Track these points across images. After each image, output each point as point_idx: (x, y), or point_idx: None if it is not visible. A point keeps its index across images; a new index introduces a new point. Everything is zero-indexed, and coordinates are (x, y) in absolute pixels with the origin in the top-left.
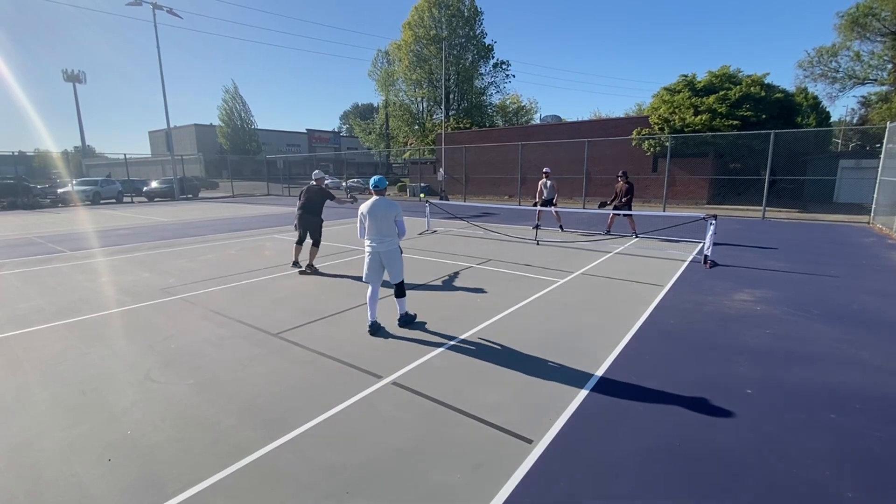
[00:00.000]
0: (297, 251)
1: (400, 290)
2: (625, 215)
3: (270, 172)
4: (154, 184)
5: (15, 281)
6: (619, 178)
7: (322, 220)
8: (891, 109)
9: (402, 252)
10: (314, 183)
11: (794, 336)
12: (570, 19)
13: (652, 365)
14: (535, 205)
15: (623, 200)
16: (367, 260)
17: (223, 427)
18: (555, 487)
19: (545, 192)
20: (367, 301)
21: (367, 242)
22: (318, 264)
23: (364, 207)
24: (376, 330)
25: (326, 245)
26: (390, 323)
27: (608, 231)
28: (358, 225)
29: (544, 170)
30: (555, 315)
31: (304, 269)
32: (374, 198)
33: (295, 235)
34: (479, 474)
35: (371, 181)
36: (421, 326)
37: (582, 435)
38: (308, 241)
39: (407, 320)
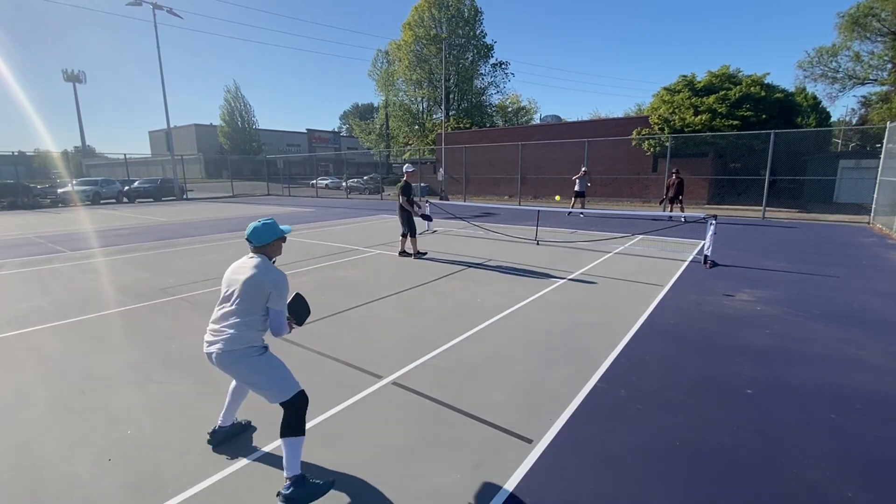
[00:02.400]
0: (402, 242)
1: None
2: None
3: (270, 172)
4: (136, 183)
5: (15, 281)
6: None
7: (407, 214)
8: (891, 109)
9: None
10: (404, 178)
11: (794, 336)
12: (570, 19)
13: (652, 365)
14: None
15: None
16: None
17: None
18: (555, 487)
19: (577, 184)
20: None
21: None
22: (319, 263)
23: None
24: None
25: (329, 245)
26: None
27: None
28: None
29: (583, 168)
30: (555, 315)
31: (413, 256)
32: None
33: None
34: (479, 474)
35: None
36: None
37: (582, 435)
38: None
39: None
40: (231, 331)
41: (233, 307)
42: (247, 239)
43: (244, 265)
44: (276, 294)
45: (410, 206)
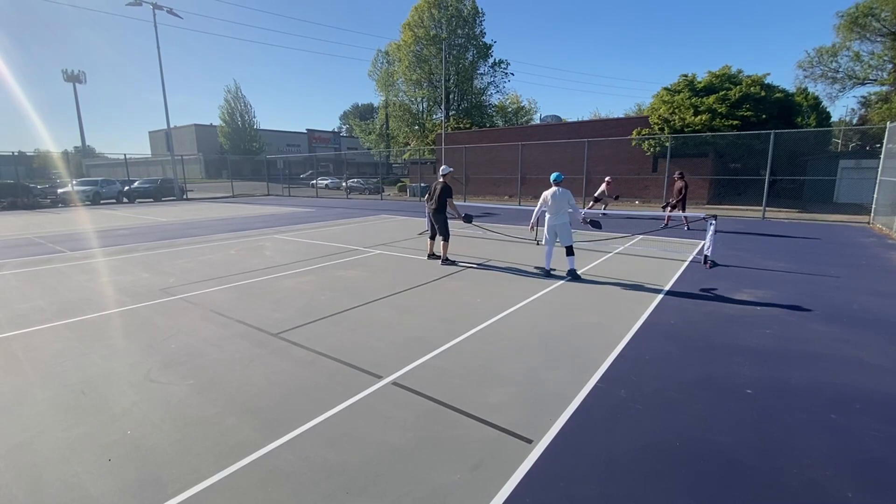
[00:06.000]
0: (431, 245)
1: (569, 251)
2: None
3: (270, 172)
4: (136, 184)
5: (15, 281)
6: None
7: (446, 217)
8: (891, 109)
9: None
10: (441, 179)
11: (794, 336)
12: (570, 20)
13: (652, 365)
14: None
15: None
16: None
17: (223, 427)
18: (555, 487)
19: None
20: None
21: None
22: (319, 263)
23: (546, 193)
24: (547, 274)
25: (329, 245)
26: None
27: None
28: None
29: (606, 178)
30: (555, 315)
31: (442, 261)
32: (554, 188)
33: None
34: (479, 474)
35: (552, 176)
36: (577, 279)
37: (582, 435)
38: (438, 236)
39: (573, 273)
40: (563, 216)
41: (558, 207)
42: (553, 180)
43: (555, 191)
44: (571, 200)
45: (455, 209)
